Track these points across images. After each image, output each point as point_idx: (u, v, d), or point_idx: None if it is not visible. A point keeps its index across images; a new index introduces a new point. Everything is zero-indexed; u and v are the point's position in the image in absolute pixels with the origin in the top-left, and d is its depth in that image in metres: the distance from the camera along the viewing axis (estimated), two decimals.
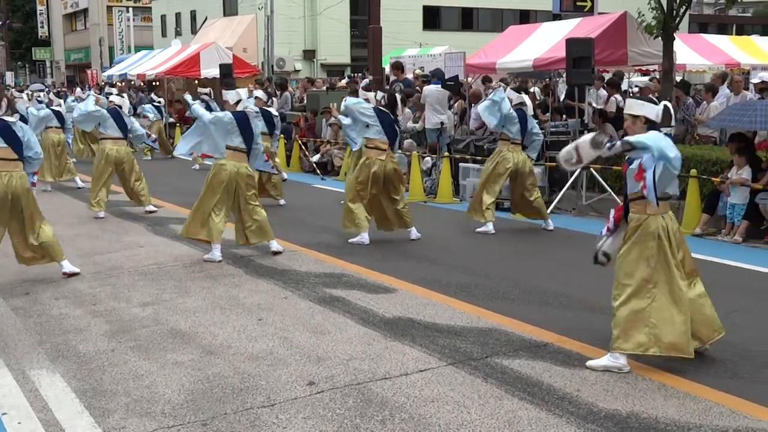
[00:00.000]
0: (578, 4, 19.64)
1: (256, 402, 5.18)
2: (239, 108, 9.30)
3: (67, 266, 8.63)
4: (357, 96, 10.93)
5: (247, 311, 7.25)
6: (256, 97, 13.79)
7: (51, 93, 22.79)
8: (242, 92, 9.61)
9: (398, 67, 19.88)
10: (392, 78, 20.43)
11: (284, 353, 6.10)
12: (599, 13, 17.78)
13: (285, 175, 16.22)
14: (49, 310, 7.39)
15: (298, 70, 38.92)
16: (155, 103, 22.12)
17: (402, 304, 7.38)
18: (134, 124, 12.96)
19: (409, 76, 19.98)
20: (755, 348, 6.08)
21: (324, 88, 22.88)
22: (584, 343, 6.15)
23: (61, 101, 19.24)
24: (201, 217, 9.26)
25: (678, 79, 15.98)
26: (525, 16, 42.25)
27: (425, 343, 6.27)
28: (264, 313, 7.19)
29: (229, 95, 9.51)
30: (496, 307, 7.24)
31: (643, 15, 12.94)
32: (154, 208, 12.83)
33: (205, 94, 20.62)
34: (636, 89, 16.66)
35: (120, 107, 12.58)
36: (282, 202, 13.51)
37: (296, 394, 5.29)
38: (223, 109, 9.61)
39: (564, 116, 14.78)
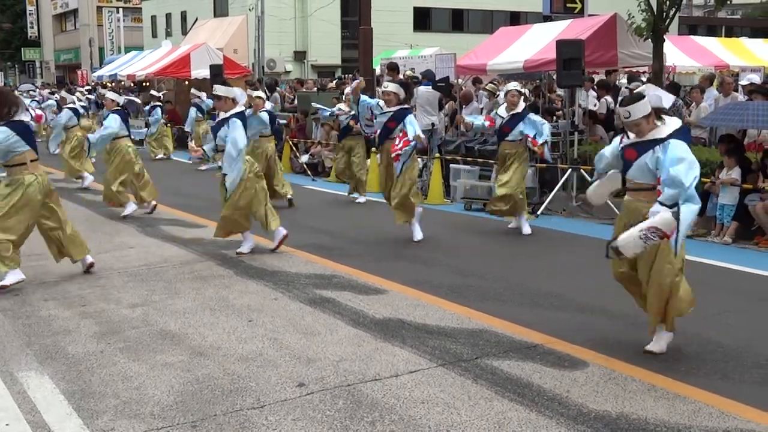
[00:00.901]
0: (568, 5, 19.66)
1: (246, 403, 5.16)
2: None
3: (90, 258, 8.80)
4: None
5: (237, 312, 7.24)
6: (257, 97, 13.79)
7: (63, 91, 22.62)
8: (237, 92, 9.47)
9: (393, 68, 19.86)
10: (387, 78, 20.43)
11: (274, 354, 6.09)
12: (589, 15, 17.82)
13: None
14: (38, 312, 7.36)
15: (289, 71, 38.90)
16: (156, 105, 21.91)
17: (392, 305, 7.38)
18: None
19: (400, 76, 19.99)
20: (745, 348, 6.10)
21: (315, 89, 22.88)
22: (574, 345, 6.16)
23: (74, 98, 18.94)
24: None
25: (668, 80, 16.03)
26: (515, 18, 42.36)
27: (415, 345, 6.26)
28: (254, 314, 7.18)
29: (235, 92, 9.48)
30: (487, 308, 7.24)
31: (633, 17, 12.98)
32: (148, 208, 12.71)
33: (198, 97, 20.65)
34: (626, 90, 16.72)
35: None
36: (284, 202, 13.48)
37: (286, 396, 5.28)
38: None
39: (555, 117, 14.81)
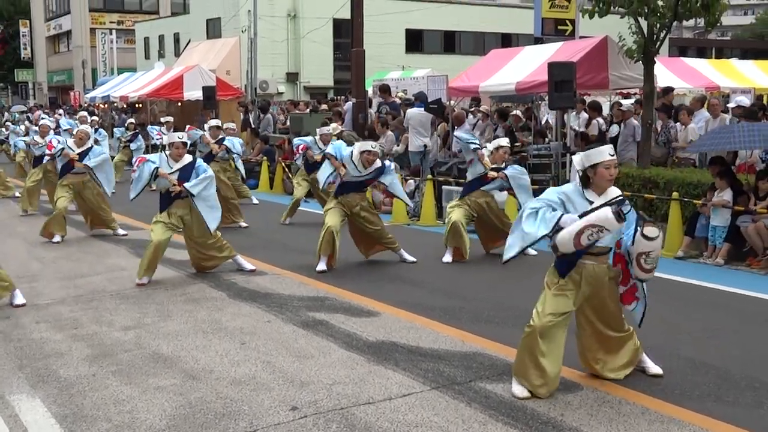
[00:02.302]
0: (559, 28, 19.83)
1: (239, 427, 5.14)
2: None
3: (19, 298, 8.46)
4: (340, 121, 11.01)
5: (230, 335, 7.21)
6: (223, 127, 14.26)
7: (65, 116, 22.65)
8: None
9: (385, 90, 19.98)
10: (379, 100, 20.54)
11: (267, 378, 6.07)
12: (580, 37, 17.93)
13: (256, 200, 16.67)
14: (30, 334, 7.32)
15: (281, 93, 38.96)
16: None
17: (385, 328, 7.36)
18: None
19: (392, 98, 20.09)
20: (738, 371, 6.09)
21: (307, 110, 22.93)
22: (568, 367, 6.13)
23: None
24: None
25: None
26: (507, 40, 42.57)
27: (409, 367, 6.25)
28: (247, 337, 7.15)
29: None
30: (480, 331, 7.23)
31: (623, 39, 13.05)
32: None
33: (167, 122, 20.79)
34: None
35: None
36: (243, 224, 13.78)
37: (279, 420, 5.25)
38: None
39: (546, 139, 14.88)
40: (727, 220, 10.33)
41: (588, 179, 5.63)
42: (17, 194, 17.32)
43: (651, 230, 5.47)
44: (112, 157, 22.17)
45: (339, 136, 15.94)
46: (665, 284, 9.11)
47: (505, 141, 10.92)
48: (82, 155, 12.29)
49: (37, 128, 17.68)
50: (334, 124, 15.99)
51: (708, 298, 8.61)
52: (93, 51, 53.01)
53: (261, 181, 19.38)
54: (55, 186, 13.42)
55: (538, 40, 19.60)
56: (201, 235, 9.55)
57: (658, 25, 12.48)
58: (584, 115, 16.43)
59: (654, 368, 6.02)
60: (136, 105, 27.82)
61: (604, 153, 5.63)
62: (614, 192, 5.65)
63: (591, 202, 5.56)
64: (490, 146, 10.72)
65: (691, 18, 12.97)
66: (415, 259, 10.37)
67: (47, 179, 15.19)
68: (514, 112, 17.14)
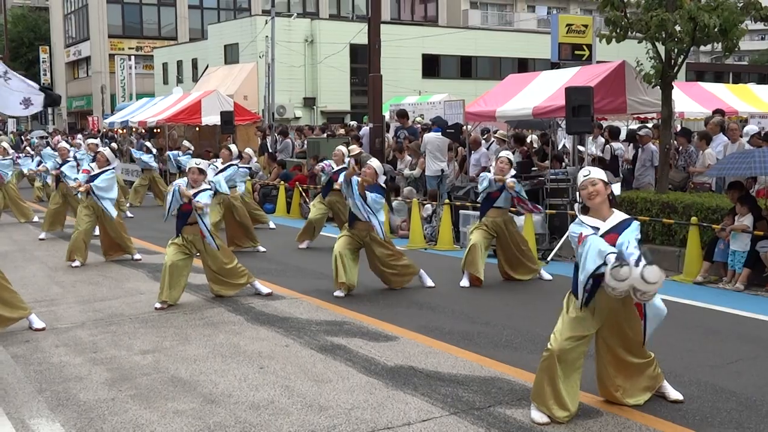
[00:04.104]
0: (576, 53, 19.89)
1: None
2: None
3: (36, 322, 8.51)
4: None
5: (249, 359, 7.22)
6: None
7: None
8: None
9: (403, 115, 20.06)
10: (396, 125, 20.62)
11: (286, 402, 6.06)
12: (597, 62, 17.95)
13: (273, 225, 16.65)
14: (50, 358, 7.35)
15: (299, 117, 39.19)
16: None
17: (403, 352, 7.35)
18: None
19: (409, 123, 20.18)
20: (759, 397, 6.04)
21: (324, 135, 23.04)
22: (587, 393, 6.11)
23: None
24: None
25: (678, 126, 16.09)
26: (523, 65, 42.74)
27: (427, 392, 6.23)
28: (265, 361, 7.16)
29: None
30: (499, 356, 7.21)
31: (641, 64, 13.06)
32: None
33: (188, 149, 21.01)
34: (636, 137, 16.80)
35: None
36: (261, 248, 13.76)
37: None
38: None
39: (563, 164, 14.87)
40: (747, 245, 10.28)
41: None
42: (36, 219, 17.44)
43: (652, 272, 5.12)
44: (131, 183, 22.45)
45: (356, 158, 16.01)
46: (684, 310, 9.06)
47: (504, 153, 11.13)
48: (94, 176, 12.41)
49: (56, 153, 17.80)
50: (353, 146, 16.07)
51: (728, 324, 8.54)
52: (112, 76, 53.44)
53: (278, 205, 19.45)
54: (76, 209, 13.51)
55: (554, 65, 19.64)
56: (215, 261, 9.60)
57: (675, 50, 12.48)
58: (601, 140, 16.45)
59: (674, 394, 5.98)
60: (155, 130, 28.00)
61: (580, 175, 5.84)
62: (620, 216, 5.71)
63: (597, 229, 5.59)
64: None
65: (708, 43, 12.95)
66: (433, 284, 10.37)
67: (68, 202, 15.28)
68: (530, 138, 17.15)
